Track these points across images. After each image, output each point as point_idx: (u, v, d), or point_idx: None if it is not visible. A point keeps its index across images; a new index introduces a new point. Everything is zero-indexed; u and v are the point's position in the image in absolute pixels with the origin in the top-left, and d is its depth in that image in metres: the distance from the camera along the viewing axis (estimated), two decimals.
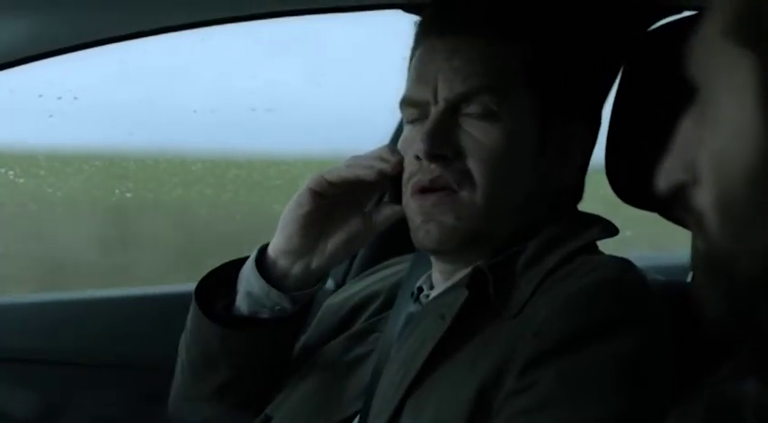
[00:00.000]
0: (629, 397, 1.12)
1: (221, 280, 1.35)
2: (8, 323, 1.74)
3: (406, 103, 1.26)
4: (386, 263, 1.46)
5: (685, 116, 0.66)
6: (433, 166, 1.21)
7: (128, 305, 1.81)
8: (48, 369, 1.70)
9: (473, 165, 1.21)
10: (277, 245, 1.32)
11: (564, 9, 1.27)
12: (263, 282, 1.31)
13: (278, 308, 1.32)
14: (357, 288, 1.42)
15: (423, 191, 1.23)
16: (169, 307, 1.71)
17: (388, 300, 1.36)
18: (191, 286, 1.39)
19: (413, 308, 1.30)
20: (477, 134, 1.21)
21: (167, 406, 1.43)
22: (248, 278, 1.32)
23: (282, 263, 1.31)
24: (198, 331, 1.35)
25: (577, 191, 1.31)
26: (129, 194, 2.26)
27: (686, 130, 0.65)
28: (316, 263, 1.31)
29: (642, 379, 1.13)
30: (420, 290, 1.31)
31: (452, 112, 1.22)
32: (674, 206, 0.65)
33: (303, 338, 1.40)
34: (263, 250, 1.33)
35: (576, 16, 1.27)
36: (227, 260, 1.37)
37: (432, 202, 1.22)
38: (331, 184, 1.29)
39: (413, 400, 1.18)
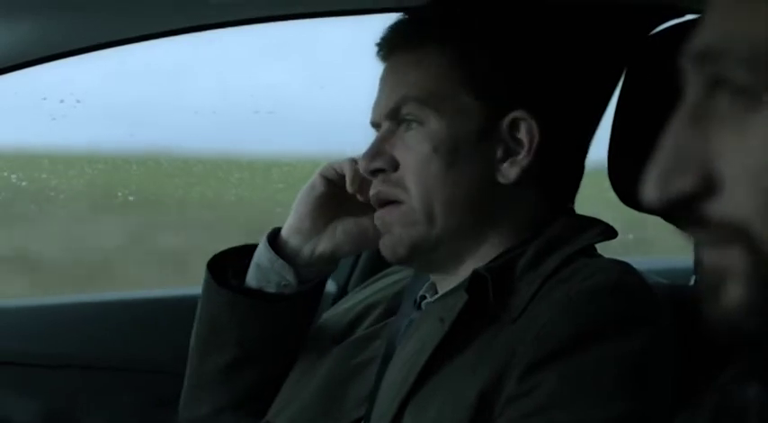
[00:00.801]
0: (631, 399, 1.12)
1: (235, 261, 1.39)
2: (13, 326, 1.74)
3: (371, 125, 1.31)
4: (388, 270, 1.47)
5: (684, 121, 0.61)
6: (375, 181, 1.27)
7: (135, 308, 1.80)
8: (53, 373, 1.70)
9: (406, 173, 1.25)
10: (289, 225, 1.38)
11: (493, 7, 1.27)
12: (270, 252, 1.36)
13: (284, 283, 1.36)
14: (359, 297, 1.43)
15: (379, 205, 1.28)
16: (176, 310, 1.71)
17: (391, 308, 1.36)
18: (198, 289, 1.40)
19: (415, 315, 1.30)
20: (408, 142, 1.25)
21: (174, 409, 1.44)
22: (259, 251, 1.37)
23: (293, 242, 1.37)
24: (207, 302, 1.39)
25: (566, 191, 1.30)
26: (131, 197, 2.26)
27: (691, 136, 0.61)
28: (322, 246, 1.36)
29: (645, 381, 1.13)
30: (423, 298, 1.31)
31: (394, 127, 1.26)
32: (678, 218, 0.61)
33: (305, 345, 1.40)
34: (277, 231, 1.38)
35: (509, 12, 1.27)
36: None
37: (382, 215, 1.28)
38: (337, 173, 1.35)
39: (413, 404, 1.19)
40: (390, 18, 1.35)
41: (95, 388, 1.70)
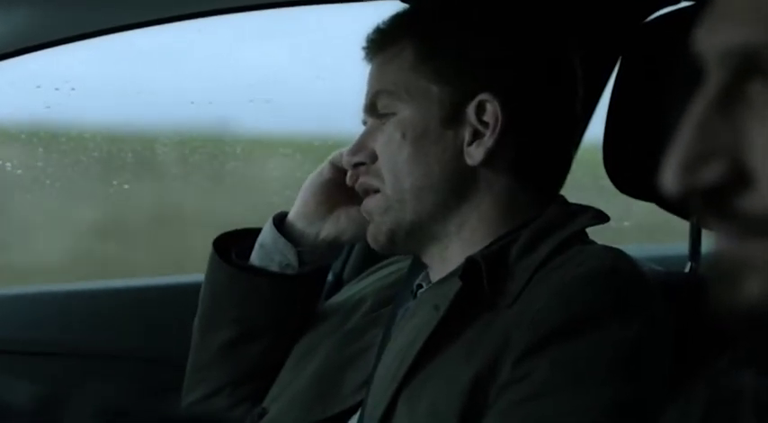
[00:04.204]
0: (624, 386, 1.12)
1: (240, 242, 1.42)
2: (7, 315, 1.74)
3: (363, 124, 1.34)
4: (385, 262, 1.47)
5: (709, 108, 0.57)
6: (357, 173, 1.31)
7: (130, 296, 1.80)
8: (48, 361, 1.70)
9: (381, 162, 1.29)
10: (295, 209, 1.41)
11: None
12: (274, 232, 1.38)
13: (286, 263, 1.38)
14: (356, 288, 1.44)
15: (363, 196, 1.31)
16: (172, 298, 1.72)
17: (387, 298, 1.37)
18: (194, 277, 1.40)
19: (411, 304, 1.31)
20: (383, 134, 1.29)
21: (168, 397, 1.44)
22: (263, 232, 1.40)
23: (298, 225, 1.39)
24: (210, 278, 1.42)
25: (546, 176, 1.30)
26: (126, 186, 2.26)
27: (719, 124, 0.57)
28: (326, 231, 1.39)
29: (638, 368, 1.14)
30: (419, 287, 1.32)
31: (376, 123, 1.30)
32: (702, 211, 0.57)
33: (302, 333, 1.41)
34: (283, 216, 1.41)
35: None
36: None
37: (364, 205, 1.31)
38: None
39: (408, 391, 1.19)
40: (387, 5, 1.36)
41: (90, 376, 1.70)
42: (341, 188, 1.37)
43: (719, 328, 0.58)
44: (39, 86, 1.82)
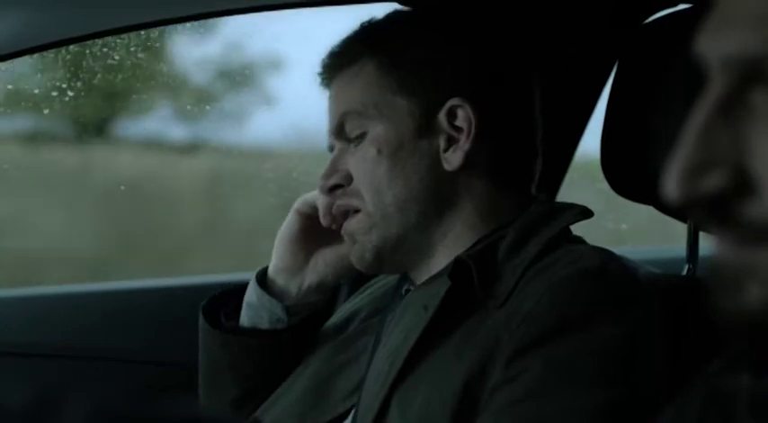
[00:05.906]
0: (617, 386, 1.12)
1: (227, 302, 1.40)
2: (6, 317, 1.74)
3: (328, 150, 1.33)
4: (380, 276, 1.47)
5: (712, 115, 0.57)
6: (333, 197, 1.30)
7: (130, 298, 1.80)
8: (52, 362, 1.70)
9: (359, 182, 1.28)
10: (273, 264, 1.39)
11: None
12: (259, 289, 1.37)
13: (276, 318, 1.37)
14: (353, 302, 1.43)
15: (342, 218, 1.30)
16: (173, 300, 1.71)
17: (377, 308, 1.37)
18: (199, 278, 1.40)
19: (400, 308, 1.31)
20: (357, 156, 1.28)
21: (173, 399, 1.44)
22: (249, 291, 1.38)
23: (279, 281, 1.38)
24: (204, 345, 1.41)
25: (523, 175, 1.30)
26: (122, 187, 2.26)
27: (721, 131, 0.57)
28: (308, 280, 1.38)
29: (630, 367, 1.14)
30: (408, 291, 1.32)
31: (345, 146, 1.29)
32: (704, 219, 0.57)
33: None
34: (265, 270, 1.39)
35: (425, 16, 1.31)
36: (221, 254, 1.40)
37: (345, 226, 1.30)
38: (311, 207, 1.36)
39: (399, 393, 1.19)
40: (384, 8, 1.36)
41: (91, 378, 1.70)
42: (312, 234, 1.36)
43: (718, 331, 0.58)
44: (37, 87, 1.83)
